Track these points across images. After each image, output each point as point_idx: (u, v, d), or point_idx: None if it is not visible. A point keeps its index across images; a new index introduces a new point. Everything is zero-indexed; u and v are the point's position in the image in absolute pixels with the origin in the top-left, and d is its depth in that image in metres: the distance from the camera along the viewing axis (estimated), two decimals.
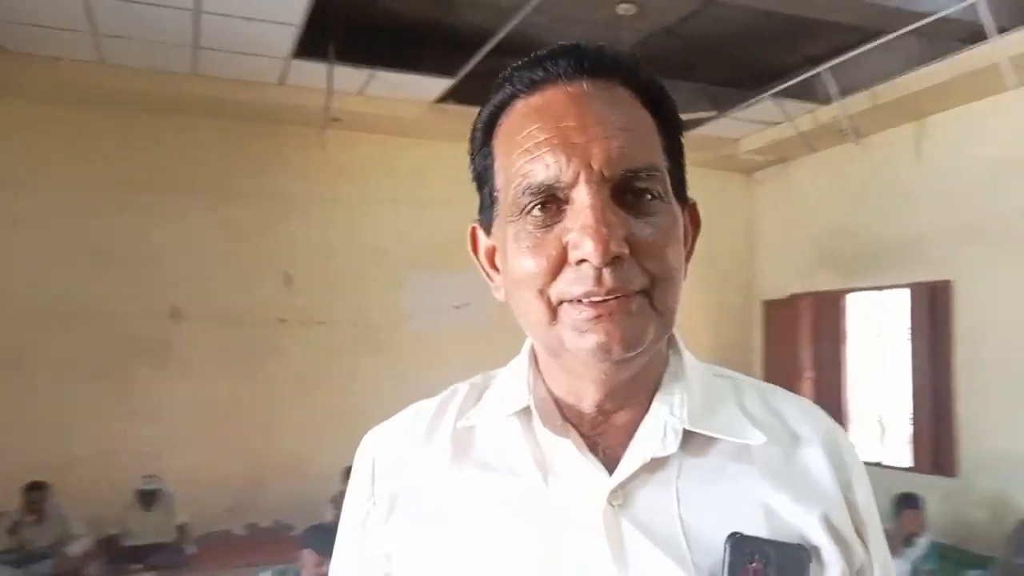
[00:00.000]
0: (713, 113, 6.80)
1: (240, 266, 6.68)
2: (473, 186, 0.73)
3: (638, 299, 0.61)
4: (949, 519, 5.77)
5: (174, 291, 6.52)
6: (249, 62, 5.62)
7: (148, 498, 5.72)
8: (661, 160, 0.66)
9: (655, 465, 0.66)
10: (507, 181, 0.66)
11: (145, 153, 6.44)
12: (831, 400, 7.03)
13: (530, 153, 0.63)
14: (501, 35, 5.45)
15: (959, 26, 5.31)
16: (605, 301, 0.60)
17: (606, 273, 0.59)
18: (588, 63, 0.65)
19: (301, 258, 6.87)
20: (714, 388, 0.73)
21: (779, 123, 6.93)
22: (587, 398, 0.67)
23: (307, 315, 6.87)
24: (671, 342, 0.73)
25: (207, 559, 5.92)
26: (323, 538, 5.72)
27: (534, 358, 0.74)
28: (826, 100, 6.37)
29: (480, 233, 0.75)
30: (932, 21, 5.11)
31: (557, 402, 0.70)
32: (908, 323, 6.44)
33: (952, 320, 6.00)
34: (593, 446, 0.68)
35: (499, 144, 0.68)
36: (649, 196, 0.63)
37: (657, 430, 0.67)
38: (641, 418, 0.68)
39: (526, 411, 0.70)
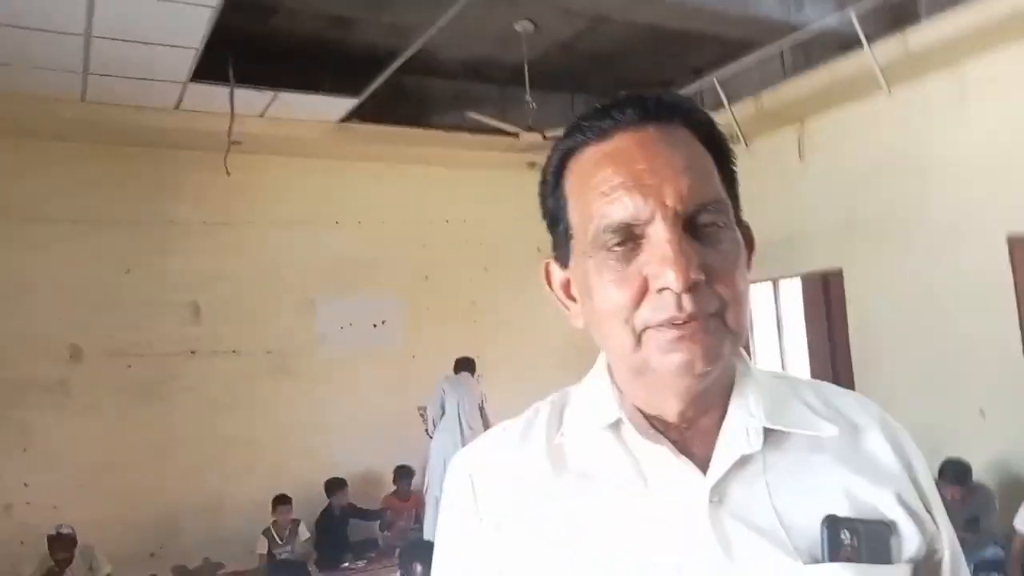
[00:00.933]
0: None
1: (143, 297, 6.44)
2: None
3: (714, 320, 0.68)
4: None
5: (72, 328, 6.21)
6: (144, 87, 5.46)
7: (62, 564, 5.12)
8: (723, 193, 0.72)
9: (743, 462, 0.72)
10: (584, 220, 0.72)
11: (35, 184, 6.13)
12: None
13: (607, 195, 0.69)
14: (407, 55, 5.51)
15: (833, 37, 5.72)
16: (686, 323, 0.66)
17: (685, 299, 0.66)
18: (651, 109, 0.72)
19: (207, 286, 6.68)
20: (777, 389, 0.79)
21: None
22: (669, 409, 0.73)
23: (217, 345, 6.68)
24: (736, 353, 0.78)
25: None
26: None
27: (611, 374, 0.79)
28: (715, 108, 6.72)
29: (554, 267, 0.81)
30: (808, 32, 5.49)
31: (641, 414, 0.75)
32: (802, 311, 6.83)
33: (845, 306, 6.42)
34: (684, 451, 0.73)
35: (572, 187, 0.75)
36: (716, 226, 0.70)
37: (740, 430, 0.73)
38: (721, 421, 0.74)
39: (615, 424, 0.75)
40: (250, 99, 5.79)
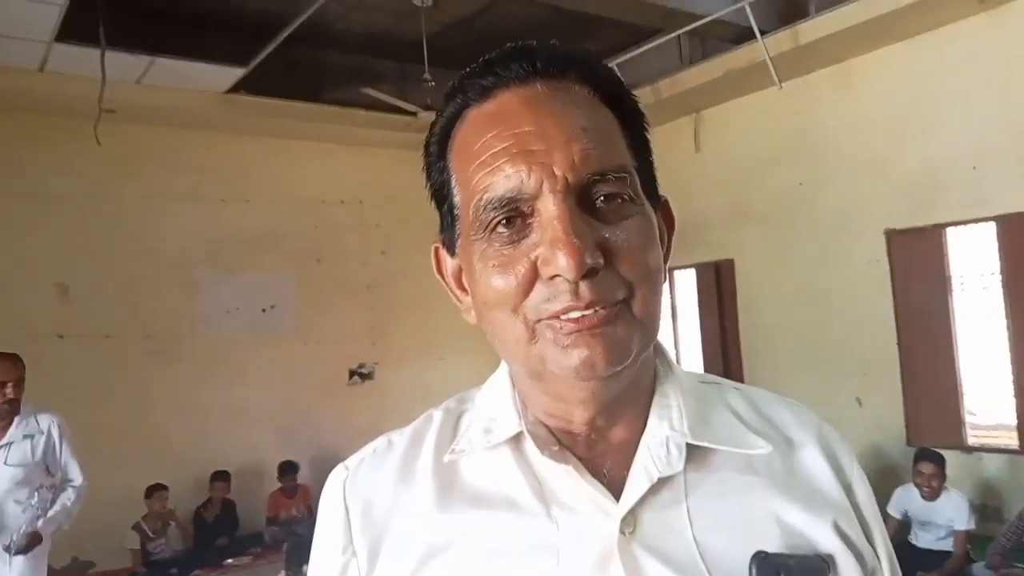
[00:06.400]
0: None
1: (2, 276, 5.90)
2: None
3: (619, 309, 0.58)
4: None
5: None
6: (4, 44, 4.96)
7: None
8: (628, 159, 0.62)
9: (661, 484, 0.62)
10: (467, 197, 0.61)
11: None
12: None
13: (488, 165, 0.59)
14: (296, 23, 5.22)
15: (729, 28, 5.81)
16: (584, 316, 0.56)
17: (583, 286, 0.56)
18: (540, 63, 0.62)
19: (76, 264, 6.16)
20: (705, 397, 0.70)
21: None
22: (576, 418, 0.63)
23: (88, 328, 6.20)
24: (657, 351, 0.69)
25: None
26: None
27: (513, 380, 0.69)
28: None
29: (444, 253, 0.70)
30: (705, 22, 5.54)
31: (545, 426, 0.65)
32: (695, 299, 6.97)
33: (736, 295, 6.58)
34: (594, 470, 0.63)
35: (455, 158, 0.64)
36: (619, 199, 0.60)
37: (659, 446, 0.63)
38: (639, 434, 0.64)
39: (516, 438, 0.65)
40: (125, 64, 5.34)
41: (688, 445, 0.64)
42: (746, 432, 0.67)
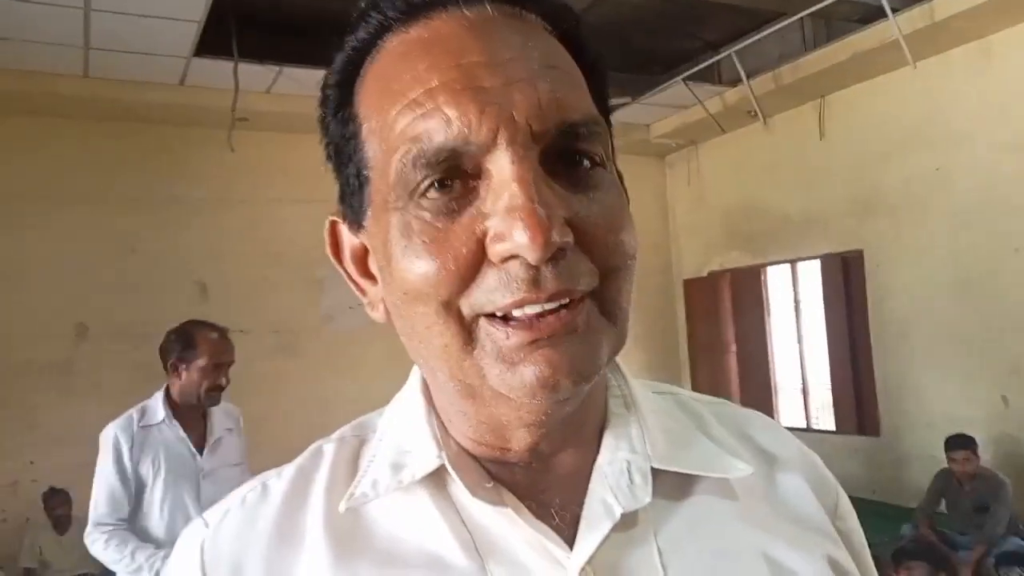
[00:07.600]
0: (627, 100, 6.86)
1: (149, 276, 6.35)
2: None
3: (587, 305, 0.44)
4: (875, 477, 6.03)
5: (78, 308, 6.16)
6: (147, 62, 5.35)
7: (62, 521, 5.26)
8: (598, 113, 0.48)
9: (626, 521, 0.49)
10: (385, 152, 0.46)
11: (38, 162, 6.03)
12: (759, 370, 7.26)
13: (420, 105, 0.44)
14: None
15: (855, 7, 5.51)
16: (543, 315, 0.43)
17: (546, 272, 0.42)
18: None
19: (214, 265, 6.59)
20: (666, 410, 0.56)
21: (688, 107, 7.06)
22: (515, 444, 0.50)
23: (225, 324, 6.59)
24: None
25: None
26: None
27: (428, 396, 0.54)
28: (732, 82, 6.52)
29: (343, 230, 0.54)
30: (830, 3, 5.28)
31: (472, 456, 0.51)
32: (820, 293, 6.67)
33: (865, 288, 6.26)
34: (538, 508, 0.49)
35: (367, 101, 0.48)
36: (590, 162, 0.46)
37: (618, 474, 0.50)
38: (592, 460, 0.51)
39: (436, 473, 0.50)
40: (255, 74, 5.65)
41: (653, 471, 0.51)
42: (720, 452, 0.54)
